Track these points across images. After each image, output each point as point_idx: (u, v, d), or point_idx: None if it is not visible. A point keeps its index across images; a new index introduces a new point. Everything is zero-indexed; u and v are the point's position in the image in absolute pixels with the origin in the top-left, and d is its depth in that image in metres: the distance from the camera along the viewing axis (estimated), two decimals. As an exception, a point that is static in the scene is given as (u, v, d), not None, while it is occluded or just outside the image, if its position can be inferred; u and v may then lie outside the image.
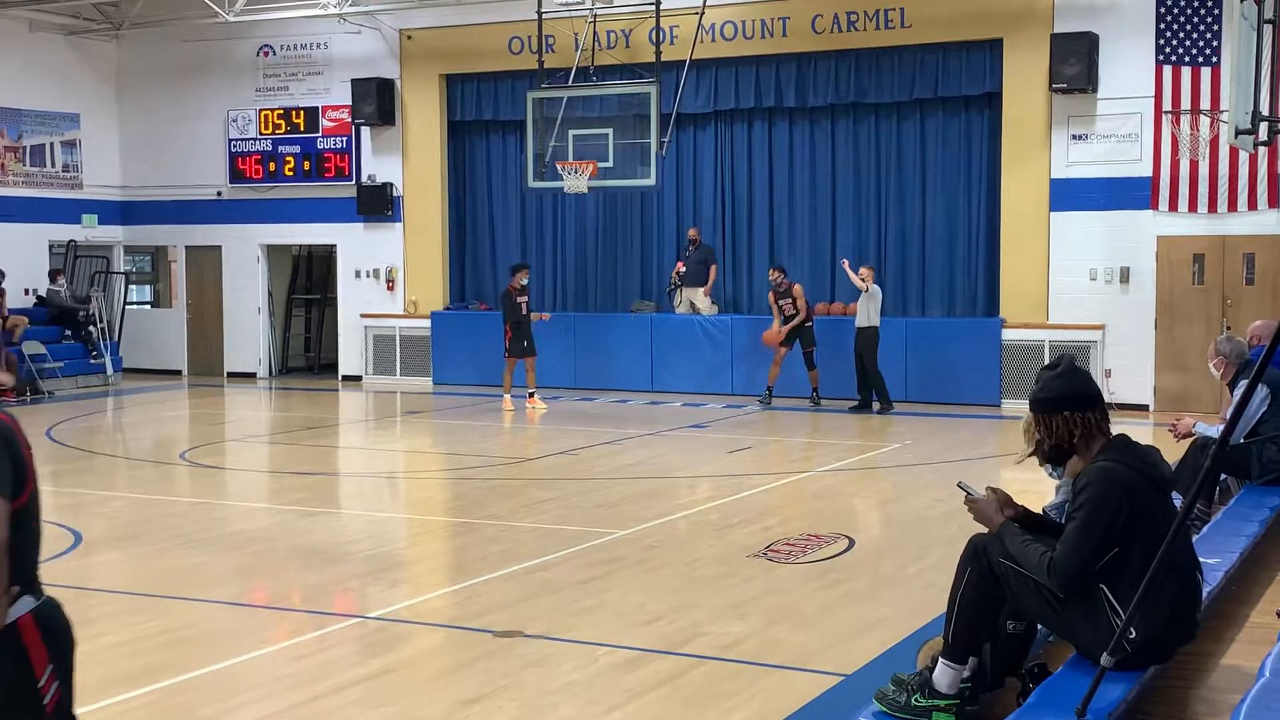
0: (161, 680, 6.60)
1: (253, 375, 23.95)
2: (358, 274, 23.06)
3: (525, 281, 18.38)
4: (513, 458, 14.75)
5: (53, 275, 22.94)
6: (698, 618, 7.74)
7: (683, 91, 19.89)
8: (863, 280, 17.88)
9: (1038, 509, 5.68)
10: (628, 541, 9.90)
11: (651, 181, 19.57)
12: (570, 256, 22.17)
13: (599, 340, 20.98)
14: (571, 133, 19.92)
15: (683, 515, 11.25)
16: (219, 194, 23.98)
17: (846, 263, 18.63)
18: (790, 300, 18.36)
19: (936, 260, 19.87)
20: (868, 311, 17.90)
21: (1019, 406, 17.52)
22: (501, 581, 8.68)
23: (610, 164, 19.67)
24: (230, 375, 24.04)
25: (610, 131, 19.70)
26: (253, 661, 7.05)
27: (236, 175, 23.74)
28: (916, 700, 5.16)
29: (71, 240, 23.74)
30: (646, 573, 8.99)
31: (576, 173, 19.60)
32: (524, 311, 18.36)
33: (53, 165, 23.57)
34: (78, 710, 3.44)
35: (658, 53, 19.42)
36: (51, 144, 23.52)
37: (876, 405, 17.94)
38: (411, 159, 22.57)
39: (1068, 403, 5.16)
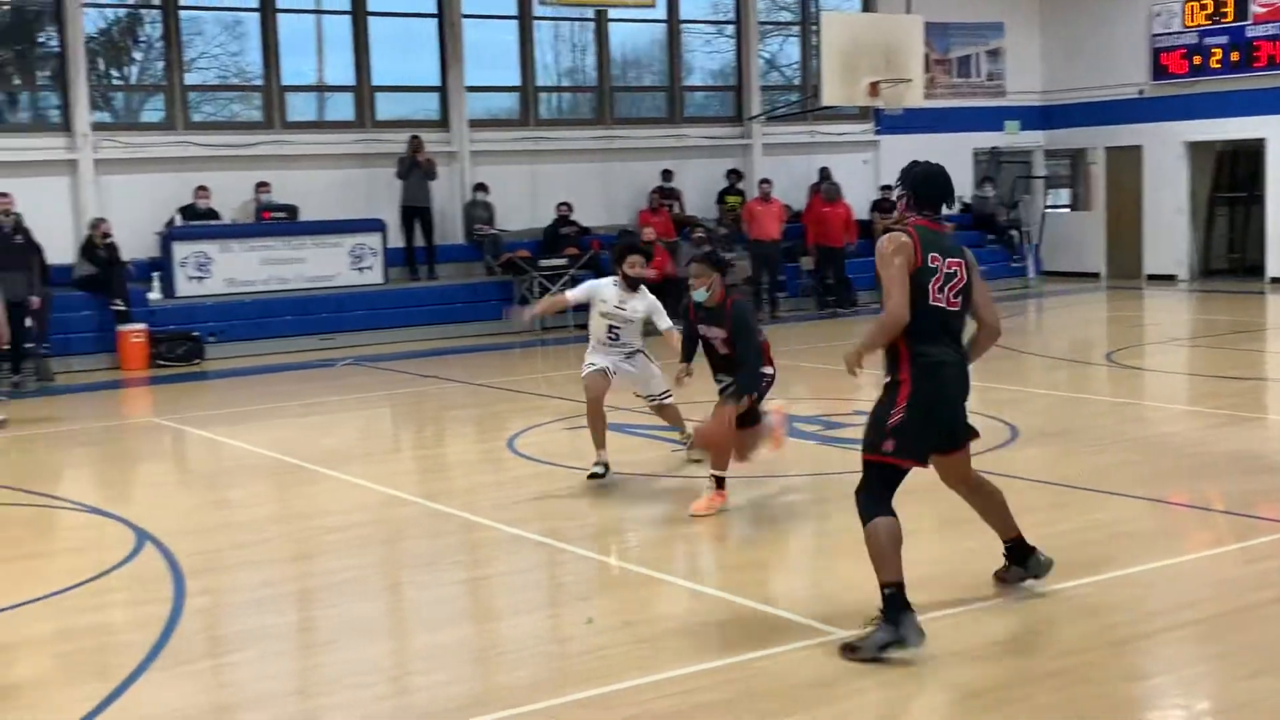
0: (1106, 572, 6.66)
1: (1172, 278, 23.27)
2: (1289, 169, 21.48)
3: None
4: None
5: (980, 183, 23.89)
6: None
7: None
8: None
9: None
10: None
11: None
12: None
13: None
14: None
15: None
16: (1140, 92, 23.43)
17: None
18: None
19: None
20: None
21: None
22: None
23: None
24: (1150, 278, 23.55)
25: None
26: (1193, 563, 6.89)
27: (1159, 72, 23.03)
28: None
29: (994, 147, 24.50)
30: None
31: None
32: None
33: (977, 75, 24.42)
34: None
35: None
36: (976, 54, 24.38)
37: None
38: (1356, 39, 20.47)
39: None
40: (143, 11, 19.16)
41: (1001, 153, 24.62)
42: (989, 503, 6.29)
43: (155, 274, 17.50)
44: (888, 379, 5.81)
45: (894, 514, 5.74)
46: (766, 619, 6.25)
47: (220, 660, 6.09)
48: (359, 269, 18.69)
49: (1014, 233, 23.56)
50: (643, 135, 21.71)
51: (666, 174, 21.16)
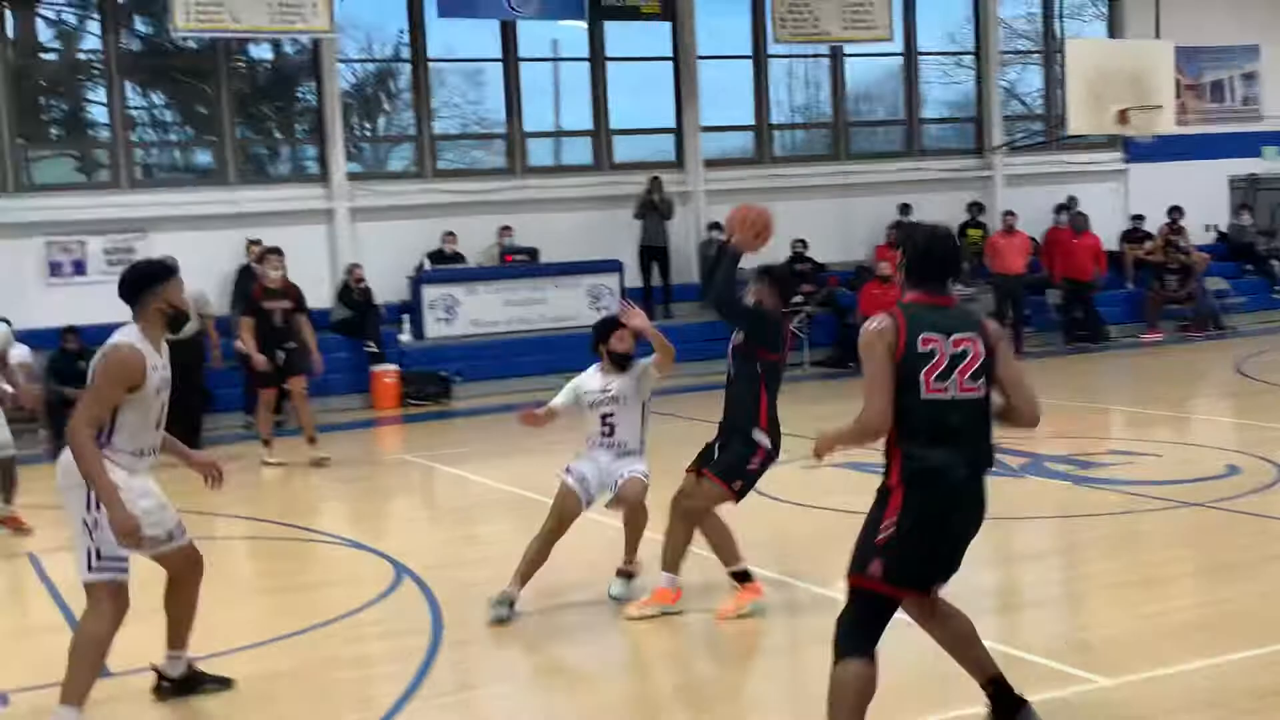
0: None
1: None
2: None
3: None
4: None
5: (1237, 211, 22.87)
6: None
7: None
8: None
9: None
10: None
11: None
12: None
13: None
14: None
15: None
16: None
17: None
18: None
19: None
20: None
21: None
22: None
23: None
24: None
25: None
26: None
27: None
28: None
29: (1251, 174, 23.42)
30: None
31: None
32: None
33: (1231, 99, 23.42)
34: None
35: None
36: (1230, 78, 23.38)
37: None
38: None
39: None
40: (393, 64, 20.00)
41: (1259, 180, 23.51)
42: (956, 632, 5.08)
43: (405, 316, 18.18)
44: (881, 481, 4.84)
45: (873, 657, 4.66)
46: (1019, 664, 6.08)
47: (475, 693, 6.25)
48: (597, 309, 18.99)
49: (1274, 262, 22.44)
50: (879, 169, 21.51)
51: (904, 208, 20.91)
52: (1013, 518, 8.94)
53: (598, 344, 7.63)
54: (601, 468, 7.52)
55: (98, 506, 5.47)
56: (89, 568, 5.54)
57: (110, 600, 5.56)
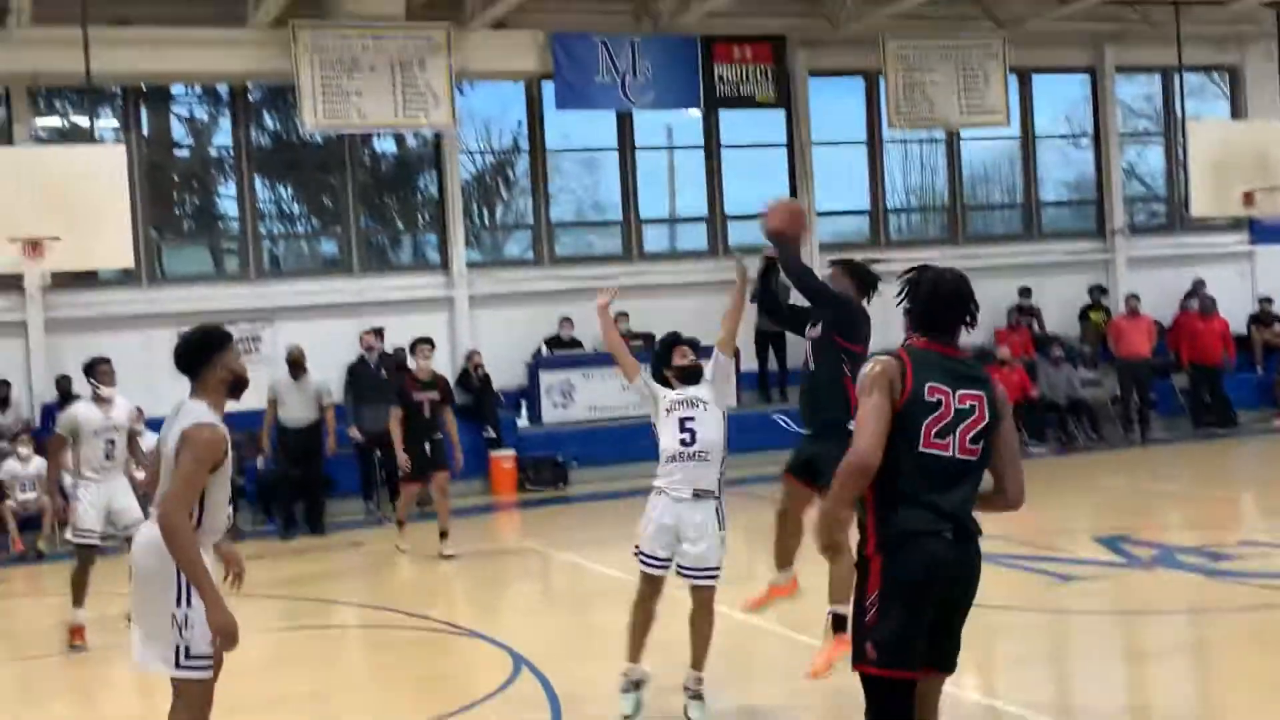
0: None
1: None
2: None
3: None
4: None
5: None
6: None
7: None
8: None
9: None
10: None
11: None
12: None
13: None
14: None
15: None
16: None
17: None
18: None
19: None
20: None
21: None
22: None
23: None
24: None
25: None
26: None
27: None
28: None
29: (1384, 253, 22.75)
30: None
31: None
32: None
33: (1362, 177, 22.81)
34: None
35: None
36: (1360, 156, 22.81)
37: None
38: None
39: None
40: (512, 155, 20.37)
41: None
42: None
43: (523, 401, 18.34)
44: (857, 553, 4.49)
45: None
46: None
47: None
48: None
49: None
50: (998, 252, 21.28)
51: (1024, 291, 20.65)
52: (1143, 612, 8.69)
53: (662, 370, 7.38)
54: (670, 526, 7.14)
55: (188, 601, 5.19)
56: (177, 664, 5.28)
57: (200, 697, 5.36)
